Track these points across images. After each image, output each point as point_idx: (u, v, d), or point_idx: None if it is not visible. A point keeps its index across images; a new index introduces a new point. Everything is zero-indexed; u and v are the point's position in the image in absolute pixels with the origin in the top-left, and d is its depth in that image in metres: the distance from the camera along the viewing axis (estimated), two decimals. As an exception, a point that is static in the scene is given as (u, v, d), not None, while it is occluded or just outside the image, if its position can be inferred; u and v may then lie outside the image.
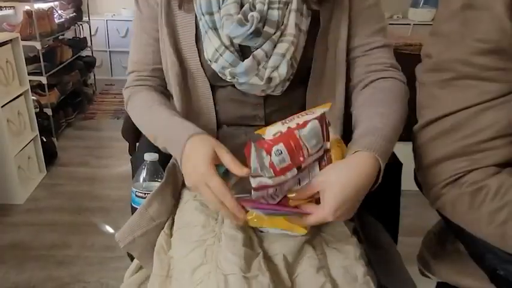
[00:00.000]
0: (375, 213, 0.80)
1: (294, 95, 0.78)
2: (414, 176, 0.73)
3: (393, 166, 0.85)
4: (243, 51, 0.72)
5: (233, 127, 0.81)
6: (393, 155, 0.87)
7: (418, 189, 0.72)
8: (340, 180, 0.58)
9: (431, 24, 0.65)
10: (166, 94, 0.85)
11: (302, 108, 0.78)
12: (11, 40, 1.93)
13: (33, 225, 1.81)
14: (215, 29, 0.70)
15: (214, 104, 0.79)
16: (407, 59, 1.87)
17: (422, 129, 0.63)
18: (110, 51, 4.03)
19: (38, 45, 2.42)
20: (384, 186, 0.87)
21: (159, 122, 0.74)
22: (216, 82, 0.77)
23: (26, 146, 2.02)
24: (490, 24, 0.52)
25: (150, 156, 0.77)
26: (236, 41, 0.69)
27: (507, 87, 0.53)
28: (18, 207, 1.94)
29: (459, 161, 0.57)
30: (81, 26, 3.54)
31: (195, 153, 0.63)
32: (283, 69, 0.70)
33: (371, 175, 0.60)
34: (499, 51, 0.52)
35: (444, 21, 0.59)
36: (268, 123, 0.78)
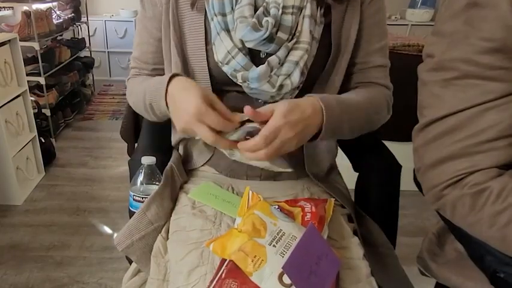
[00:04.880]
0: (373, 214, 0.80)
1: None
2: (413, 176, 0.73)
3: (392, 168, 0.85)
4: (252, 54, 0.70)
5: None
6: (392, 157, 0.87)
7: (416, 189, 0.72)
8: (287, 102, 0.63)
9: (428, 25, 0.66)
10: None
11: None
12: (9, 40, 1.93)
13: (31, 226, 1.80)
14: (227, 30, 0.69)
15: None
16: (405, 60, 1.88)
17: (423, 129, 0.62)
18: (108, 51, 4.03)
19: (36, 45, 2.42)
20: (383, 188, 0.87)
21: (147, 83, 0.74)
22: (221, 87, 0.76)
23: (24, 146, 2.01)
24: (495, 22, 0.51)
25: (147, 160, 0.76)
26: (248, 45, 0.68)
27: (510, 87, 0.53)
28: (17, 208, 1.93)
29: (461, 162, 0.56)
30: (79, 27, 3.53)
31: (184, 92, 0.63)
32: (295, 77, 0.69)
33: (316, 108, 0.64)
34: (504, 50, 0.51)
35: (447, 20, 0.58)
36: None
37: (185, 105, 0.62)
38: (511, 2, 0.50)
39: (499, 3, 0.51)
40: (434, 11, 3.63)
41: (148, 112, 0.75)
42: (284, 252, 0.56)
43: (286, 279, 0.54)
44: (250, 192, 0.68)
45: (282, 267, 0.53)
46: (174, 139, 0.88)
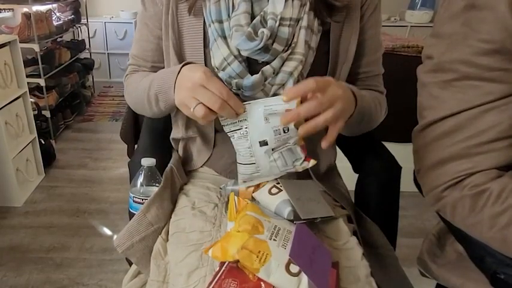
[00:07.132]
0: (373, 216, 0.80)
1: None
2: (413, 177, 0.73)
3: (392, 169, 0.85)
4: (249, 62, 0.71)
5: None
6: (392, 158, 0.87)
7: (416, 190, 0.72)
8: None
9: (428, 26, 0.66)
10: None
11: None
12: (9, 42, 1.93)
13: (31, 228, 1.80)
14: (224, 37, 0.69)
15: None
16: (404, 61, 1.88)
17: (423, 131, 0.62)
18: (108, 53, 4.03)
19: (36, 47, 2.42)
20: (383, 189, 0.87)
21: (154, 75, 0.74)
22: None
23: (24, 148, 2.01)
24: (493, 24, 0.51)
25: (147, 161, 0.76)
26: (243, 54, 0.68)
27: (510, 88, 0.53)
28: (17, 210, 1.93)
29: (460, 163, 0.56)
30: (79, 28, 3.53)
31: (191, 66, 0.65)
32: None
33: (349, 90, 0.67)
34: (502, 51, 0.52)
35: (446, 22, 0.59)
36: None
37: (190, 74, 0.62)
38: (509, 3, 0.50)
39: (497, 5, 0.51)
40: (434, 12, 3.64)
41: (151, 104, 0.74)
42: (285, 245, 0.58)
43: (293, 269, 0.55)
44: (236, 198, 0.69)
45: (289, 255, 0.54)
46: (173, 136, 0.88)
